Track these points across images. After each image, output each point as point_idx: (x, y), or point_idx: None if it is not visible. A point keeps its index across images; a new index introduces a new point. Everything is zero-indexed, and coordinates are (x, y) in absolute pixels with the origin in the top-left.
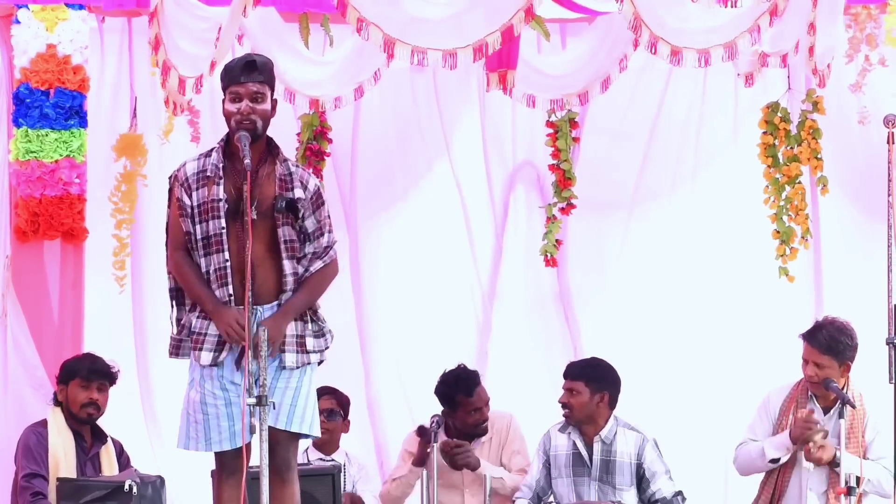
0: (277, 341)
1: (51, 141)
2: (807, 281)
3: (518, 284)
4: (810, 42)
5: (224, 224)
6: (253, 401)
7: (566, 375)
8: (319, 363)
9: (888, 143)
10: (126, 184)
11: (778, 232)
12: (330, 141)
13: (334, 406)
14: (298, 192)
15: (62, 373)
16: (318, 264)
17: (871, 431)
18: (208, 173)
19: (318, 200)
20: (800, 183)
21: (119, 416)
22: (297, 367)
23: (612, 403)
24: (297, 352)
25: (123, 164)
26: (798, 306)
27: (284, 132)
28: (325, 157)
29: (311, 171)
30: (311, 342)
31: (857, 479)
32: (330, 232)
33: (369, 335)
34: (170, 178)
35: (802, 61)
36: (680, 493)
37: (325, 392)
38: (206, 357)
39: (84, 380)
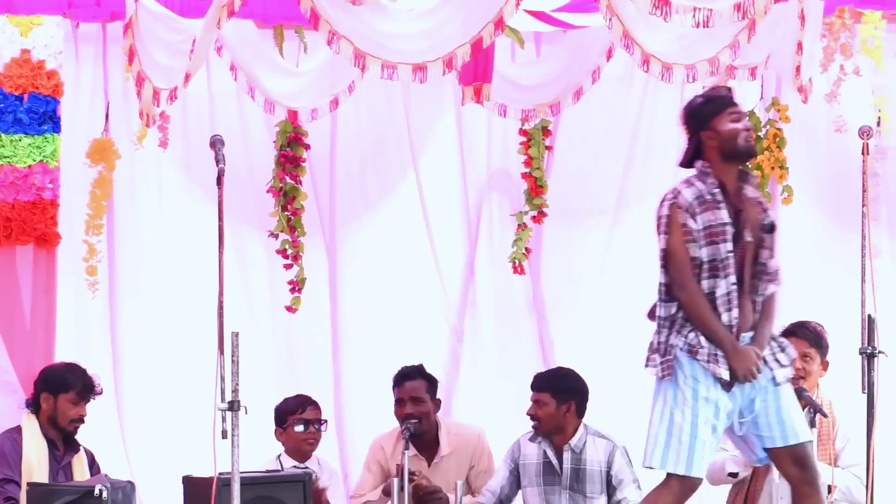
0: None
1: (24, 146)
2: None
3: (491, 293)
4: (797, 61)
5: (731, 248)
6: (225, 406)
7: (533, 387)
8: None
9: (863, 153)
10: (99, 189)
11: None
12: (307, 147)
13: (320, 416)
14: (771, 214)
15: (49, 382)
16: (772, 287)
17: (842, 440)
18: (706, 197)
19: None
20: (763, 191)
21: (91, 422)
22: (787, 381)
23: (580, 412)
24: (781, 366)
25: (98, 169)
26: None
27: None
28: (301, 164)
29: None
30: (783, 357)
31: (829, 487)
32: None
33: (342, 342)
34: (668, 205)
35: (789, 79)
36: None
37: (310, 402)
38: (727, 373)
39: (77, 396)
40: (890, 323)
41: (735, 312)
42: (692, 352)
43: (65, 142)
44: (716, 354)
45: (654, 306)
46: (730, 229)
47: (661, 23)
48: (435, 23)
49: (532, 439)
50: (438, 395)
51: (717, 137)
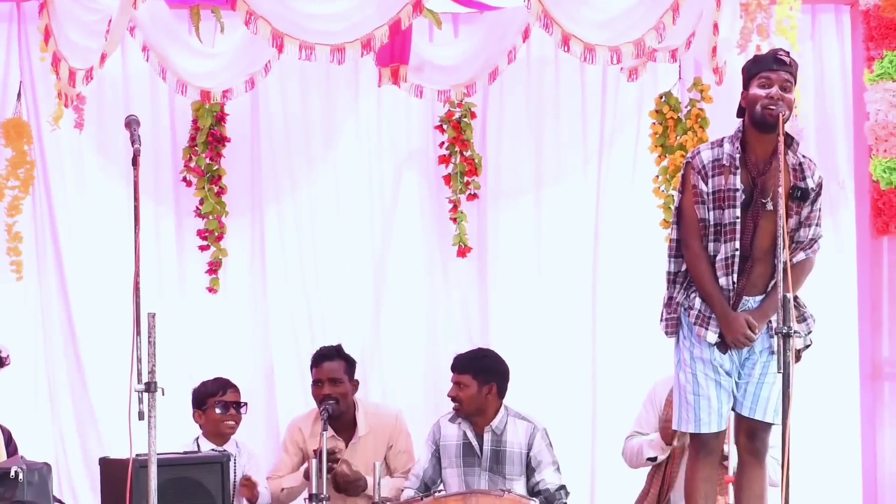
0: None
1: None
2: None
3: (414, 272)
4: (713, 42)
5: (738, 214)
6: (142, 387)
7: (453, 369)
8: (803, 349)
9: (778, 134)
10: (16, 169)
11: (667, 221)
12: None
13: (240, 399)
14: (809, 182)
15: None
16: (801, 256)
17: None
18: (724, 162)
19: (819, 191)
20: None
21: (9, 401)
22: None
23: (501, 394)
24: None
25: (23, 149)
26: None
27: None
28: (227, 143)
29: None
30: (795, 328)
31: None
32: (818, 225)
33: (270, 321)
34: (685, 164)
35: (705, 60)
36: (563, 487)
37: (230, 385)
38: (713, 336)
39: None
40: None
41: (734, 277)
42: (688, 313)
43: None
44: (707, 317)
45: None
46: (739, 195)
47: (581, 4)
48: (353, 4)
49: (452, 420)
50: (357, 376)
51: (745, 100)
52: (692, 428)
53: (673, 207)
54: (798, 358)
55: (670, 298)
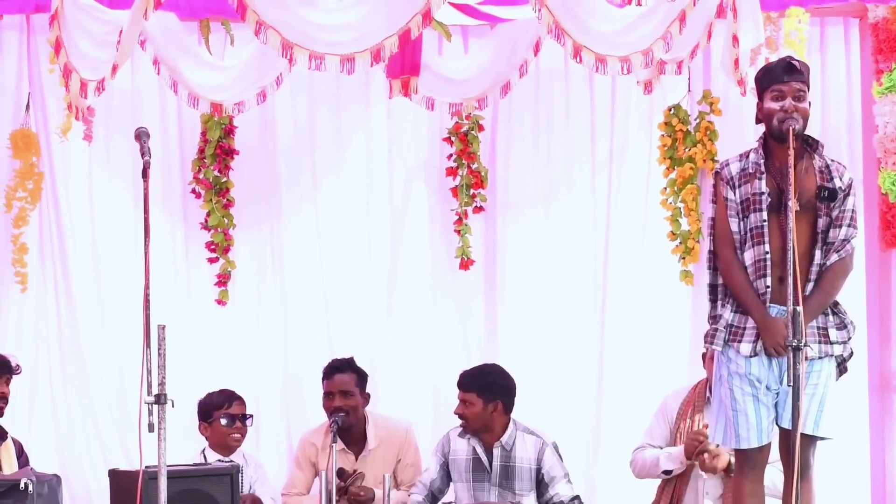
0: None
1: None
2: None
3: (422, 284)
4: (735, 54)
5: (766, 217)
6: (152, 399)
7: (459, 386)
8: (844, 360)
9: (788, 146)
10: (24, 180)
11: (674, 234)
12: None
13: (245, 411)
14: (837, 182)
15: None
16: (833, 257)
17: None
18: (750, 170)
19: (848, 192)
20: (693, 184)
21: (19, 413)
22: (820, 358)
23: (508, 410)
24: (820, 342)
25: (31, 160)
26: (696, 309)
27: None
28: (235, 155)
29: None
30: (833, 333)
31: None
32: (850, 226)
33: (279, 334)
34: (715, 176)
35: (729, 73)
36: (577, 497)
37: (236, 397)
38: (746, 348)
39: None
40: None
41: (767, 280)
42: (725, 327)
43: None
44: (741, 329)
45: None
46: (766, 199)
47: (590, 15)
48: (362, 14)
49: (461, 435)
50: (368, 389)
51: (761, 112)
52: (733, 444)
53: (707, 218)
54: (844, 369)
55: (712, 313)
